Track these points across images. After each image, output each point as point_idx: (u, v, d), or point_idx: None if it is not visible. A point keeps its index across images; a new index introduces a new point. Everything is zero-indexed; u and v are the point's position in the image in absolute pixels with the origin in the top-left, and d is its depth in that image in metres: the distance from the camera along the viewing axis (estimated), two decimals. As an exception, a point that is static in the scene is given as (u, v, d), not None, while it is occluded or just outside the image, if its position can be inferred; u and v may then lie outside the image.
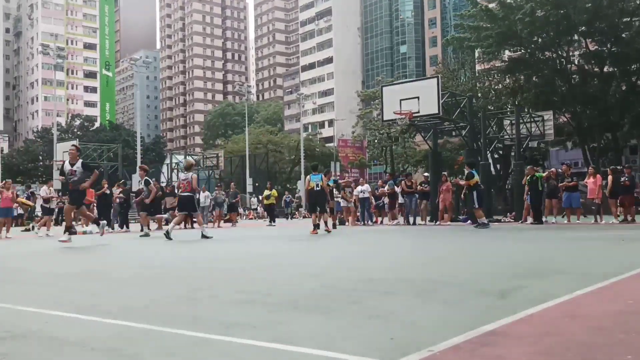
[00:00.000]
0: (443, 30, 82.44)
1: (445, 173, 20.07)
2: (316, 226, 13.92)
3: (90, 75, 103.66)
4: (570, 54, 30.93)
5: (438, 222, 18.57)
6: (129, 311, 3.68)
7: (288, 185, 58.21)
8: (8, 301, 4.19)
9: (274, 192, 25.18)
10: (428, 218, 19.38)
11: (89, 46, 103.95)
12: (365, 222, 19.92)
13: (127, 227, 19.50)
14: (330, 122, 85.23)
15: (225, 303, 3.95)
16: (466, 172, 16.02)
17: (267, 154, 54.17)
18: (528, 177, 17.06)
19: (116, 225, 19.80)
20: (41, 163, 67.67)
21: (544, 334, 2.75)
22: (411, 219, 18.77)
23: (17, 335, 3.07)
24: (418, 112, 18.69)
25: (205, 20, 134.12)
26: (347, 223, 20.07)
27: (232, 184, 28.26)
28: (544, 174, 17.47)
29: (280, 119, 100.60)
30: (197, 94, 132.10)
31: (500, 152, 32.74)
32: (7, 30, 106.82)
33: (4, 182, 16.79)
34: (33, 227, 22.88)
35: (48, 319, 3.51)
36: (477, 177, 15.68)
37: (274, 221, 23.35)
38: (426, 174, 21.21)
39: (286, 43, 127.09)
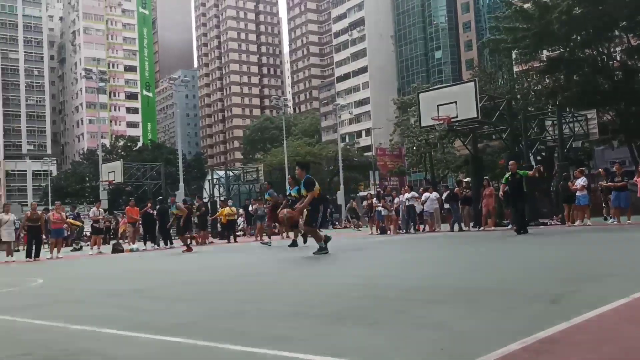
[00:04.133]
0: (478, 34, 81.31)
1: (487, 177, 19.72)
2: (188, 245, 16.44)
3: (131, 96, 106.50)
4: (612, 50, 30.10)
5: (482, 228, 18.23)
6: (178, 327, 3.72)
7: (328, 196, 58.27)
8: (61, 320, 4.29)
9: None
10: (472, 224, 19.06)
11: (129, 68, 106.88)
12: (409, 230, 19.70)
13: (171, 243, 19.87)
14: (368, 132, 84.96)
15: (272, 316, 3.95)
16: (304, 176, 10.37)
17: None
18: (508, 174, 14.11)
19: (161, 242, 20.30)
20: (88, 184, 69.56)
21: (602, 340, 2.65)
22: (456, 226, 18.50)
23: (70, 353, 3.14)
24: (456, 116, 18.45)
25: (241, 37, 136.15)
26: (389, 232, 19.92)
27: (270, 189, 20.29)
28: (530, 172, 14.41)
29: (318, 130, 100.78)
30: (235, 109, 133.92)
31: (543, 153, 31.96)
32: (52, 57, 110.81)
33: (55, 204, 17.44)
34: (81, 247, 23.59)
35: (100, 337, 3.58)
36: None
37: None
38: (467, 179, 20.88)
39: (320, 55, 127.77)
